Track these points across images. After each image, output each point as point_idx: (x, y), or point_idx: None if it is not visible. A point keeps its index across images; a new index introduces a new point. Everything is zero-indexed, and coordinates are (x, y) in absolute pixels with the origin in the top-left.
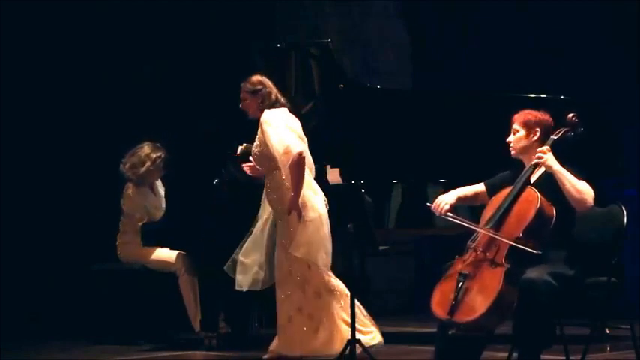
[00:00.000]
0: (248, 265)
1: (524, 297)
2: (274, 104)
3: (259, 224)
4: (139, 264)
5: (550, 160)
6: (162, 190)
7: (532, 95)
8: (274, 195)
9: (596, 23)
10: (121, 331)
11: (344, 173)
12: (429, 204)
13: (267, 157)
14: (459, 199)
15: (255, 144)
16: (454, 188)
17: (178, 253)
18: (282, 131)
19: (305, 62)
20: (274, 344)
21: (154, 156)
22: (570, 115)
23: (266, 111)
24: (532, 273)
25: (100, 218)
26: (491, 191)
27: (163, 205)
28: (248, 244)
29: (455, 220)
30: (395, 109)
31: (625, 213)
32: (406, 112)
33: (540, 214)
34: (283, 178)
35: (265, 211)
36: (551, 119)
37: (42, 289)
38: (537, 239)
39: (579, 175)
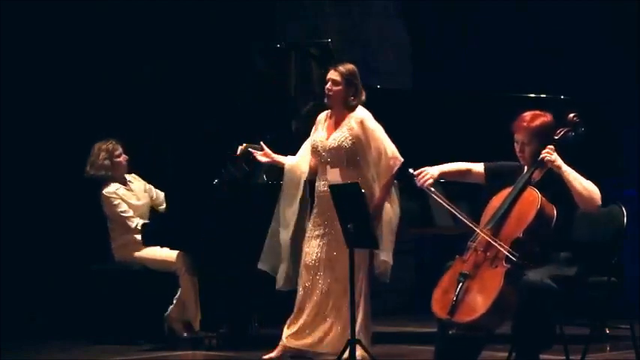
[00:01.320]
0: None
1: (525, 300)
2: (363, 103)
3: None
4: (139, 264)
5: (558, 159)
6: (141, 185)
7: (532, 95)
8: None
9: (596, 23)
10: (121, 331)
11: None
12: (411, 170)
13: (353, 152)
14: (444, 174)
15: (343, 136)
16: (454, 188)
17: (178, 253)
18: (386, 135)
19: (305, 62)
20: (292, 340)
21: (104, 146)
22: (571, 115)
23: (363, 109)
24: (533, 276)
25: (99, 218)
26: (490, 174)
27: (141, 199)
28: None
29: (434, 196)
30: (395, 109)
31: (625, 213)
32: (406, 112)
33: (541, 214)
34: (368, 177)
35: (295, 212)
36: (551, 116)
37: (41, 289)
38: (538, 239)
39: (583, 175)
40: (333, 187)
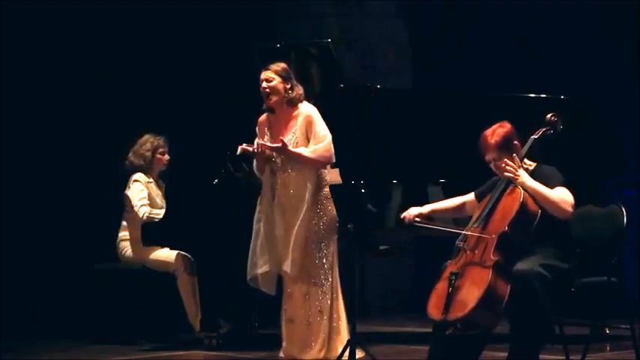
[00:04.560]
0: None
1: (517, 288)
2: (303, 98)
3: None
4: (139, 264)
5: (523, 176)
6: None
7: (532, 95)
8: None
9: (596, 23)
10: (121, 331)
11: (344, 173)
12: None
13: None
14: (435, 211)
15: (294, 139)
16: (454, 188)
17: (178, 253)
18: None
19: (305, 62)
20: (287, 351)
21: (152, 139)
22: (549, 115)
23: (308, 104)
24: (523, 265)
25: (100, 218)
26: (481, 198)
27: (163, 203)
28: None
29: (424, 225)
30: (395, 109)
31: (625, 213)
32: (406, 112)
33: (524, 208)
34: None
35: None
36: (509, 124)
37: (42, 289)
38: (523, 234)
39: (557, 180)
40: (332, 187)
